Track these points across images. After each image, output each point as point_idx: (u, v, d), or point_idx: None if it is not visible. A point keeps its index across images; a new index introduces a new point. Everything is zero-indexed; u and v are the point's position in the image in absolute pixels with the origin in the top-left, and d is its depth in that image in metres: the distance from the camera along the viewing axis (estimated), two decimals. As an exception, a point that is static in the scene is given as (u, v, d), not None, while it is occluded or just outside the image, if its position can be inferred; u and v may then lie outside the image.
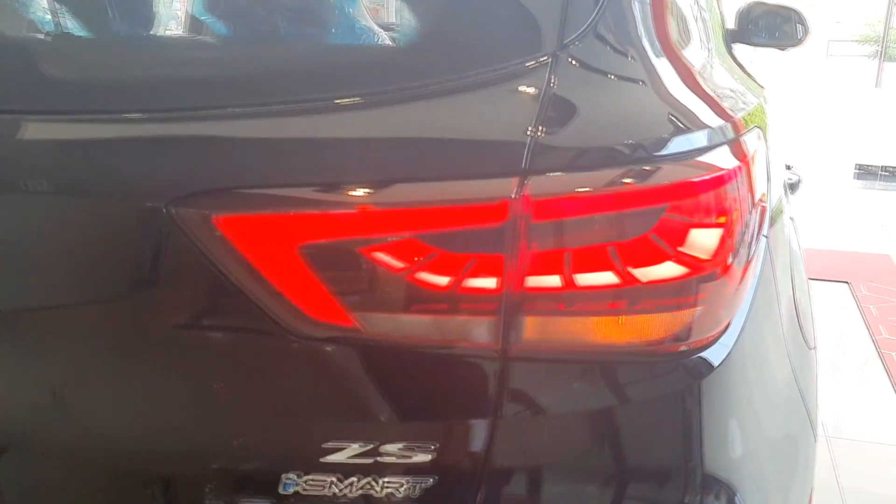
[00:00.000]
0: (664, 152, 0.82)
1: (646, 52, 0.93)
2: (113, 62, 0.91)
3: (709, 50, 1.30)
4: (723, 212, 0.83)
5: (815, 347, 1.28)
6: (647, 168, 0.80)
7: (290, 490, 0.82)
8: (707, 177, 0.82)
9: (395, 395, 0.82)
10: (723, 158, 0.86)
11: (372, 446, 0.81)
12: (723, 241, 0.82)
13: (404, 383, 0.82)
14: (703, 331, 0.83)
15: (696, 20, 1.25)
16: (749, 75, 1.62)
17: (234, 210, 0.77)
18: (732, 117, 0.97)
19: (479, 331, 0.79)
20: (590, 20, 0.87)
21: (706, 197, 0.82)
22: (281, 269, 0.77)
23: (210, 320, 0.81)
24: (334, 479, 0.81)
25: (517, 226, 0.76)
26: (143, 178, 0.79)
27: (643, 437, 0.84)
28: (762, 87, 1.62)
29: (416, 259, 0.77)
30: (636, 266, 0.79)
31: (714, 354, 0.85)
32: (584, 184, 0.78)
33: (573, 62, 0.86)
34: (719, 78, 1.17)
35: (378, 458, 0.81)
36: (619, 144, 0.81)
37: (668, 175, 0.80)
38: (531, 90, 0.82)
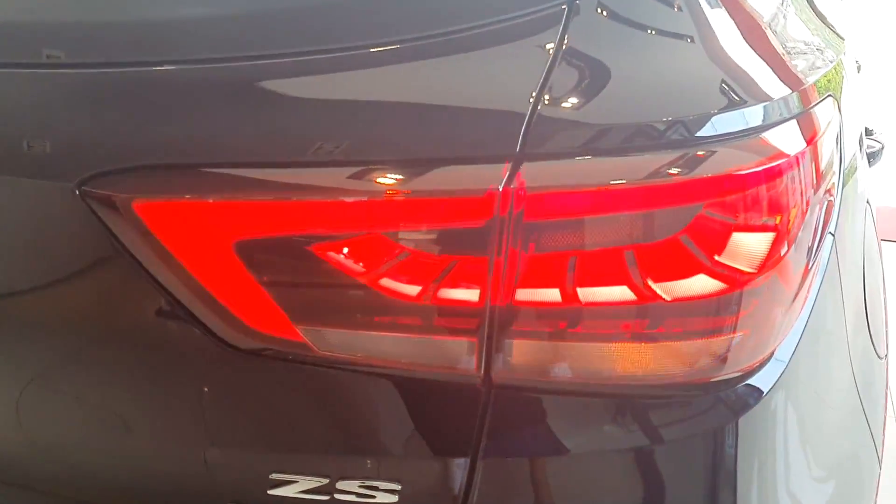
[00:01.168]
0: (708, 133, 0.64)
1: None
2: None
3: None
4: (777, 210, 0.65)
5: (886, 356, 1.09)
6: (682, 153, 0.63)
7: (233, 524, 0.69)
8: (760, 167, 0.64)
9: (354, 424, 0.67)
10: (784, 141, 0.68)
11: (326, 482, 0.67)
12: (775, 247, 0.65)
13: (365, 412, 0.67)
14: (744, 359, 0.66)
15: None
16: (828, 25, 1.39)
17: (159, 194, 0.62)
18: (802, 84, 0.77)
19: (458, 353, 0.63)
20: None
21: (757, 192, 0.64)
22: (215, 268, 0.63)
23: (132, 327, 0.67)
24: (283, 516, 0.68)
25: (506, 224, 0.60)
26: (50, 150, 0.65)
27: (661, 490, 0.68)
28: (842, 38, 1.39)
29: (380, 262, 0.61)
30: (659, 279, 0.62)
31: (757, 386, 0.68)
32: (597, 174, 0.61)
33: (600, 11, 0.68)
34: (793, 31, 0.97)
35: (334, 496, 0.67)
36: (651, 122, 0.63)
37: (710, 163, 0.63)
38: (537, 49, 0.65)
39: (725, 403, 0.67)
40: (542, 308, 0.62)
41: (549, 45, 0.64)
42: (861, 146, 1.25)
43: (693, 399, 0.67)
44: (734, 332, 0.64)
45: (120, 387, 0.69)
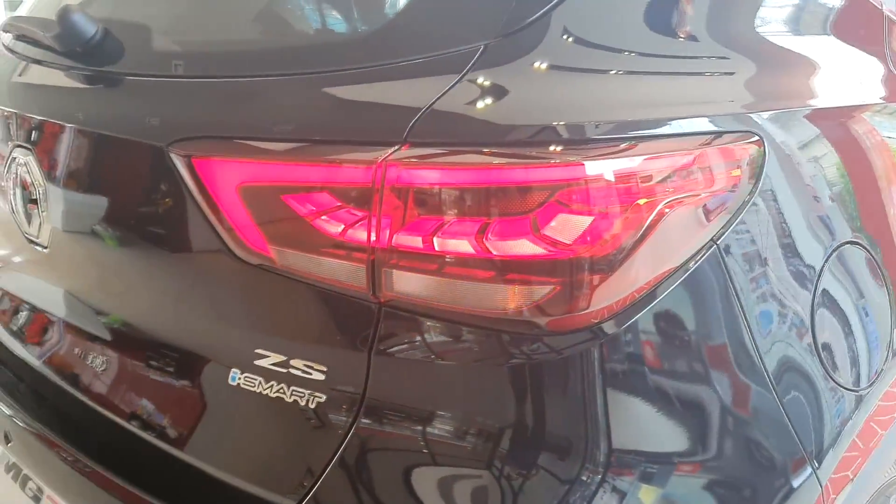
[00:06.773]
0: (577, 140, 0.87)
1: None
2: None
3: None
4: (591, 203, 0.85)
5: (858, 389, 1.13)
6: (528, 152, 0.86)
7: (235, 381, 1.03)
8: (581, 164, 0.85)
9: (299, 319, 0.99)
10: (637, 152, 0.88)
11: (284, 359, 0.98)
12: (595, 228, 0.85)
13: (305, 311, 0.98)
14: (563, 310, 0.86)
15: None
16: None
17: (204, 153, 1.00)
18: (695, 113, 0.97)
19: (358, 276, 0.91)
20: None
21: (586, 185, 0.84)
22: (230, 205, 0.98)
23: (191, 243, 1.07)
24: (261, 380, 1.00)
25: (383, 187, 0.87)
26: (154, 123, 1.06)
27: (505, 400, 0.91)
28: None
29: (319, 209, 0.92)
30: (494, 239, 0.85)
31: (582, 339, 0.88)
32: (463, 159, 0.86)
33: (566, 38, 0.95)
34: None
35: (289, 370, 0.98)
36: (523, 125, 0.87)
37: (549, 159, 0.85)
38: (446, 77, 0.91)
39: (547, 346, 0.88)
40: (410, 251, 0.88)
41: (455, 75, 0.91)
42: None
43: (523, 336, 0.88)
44: (549, 286, 0.85)
45: (176, 285, 1.10)
